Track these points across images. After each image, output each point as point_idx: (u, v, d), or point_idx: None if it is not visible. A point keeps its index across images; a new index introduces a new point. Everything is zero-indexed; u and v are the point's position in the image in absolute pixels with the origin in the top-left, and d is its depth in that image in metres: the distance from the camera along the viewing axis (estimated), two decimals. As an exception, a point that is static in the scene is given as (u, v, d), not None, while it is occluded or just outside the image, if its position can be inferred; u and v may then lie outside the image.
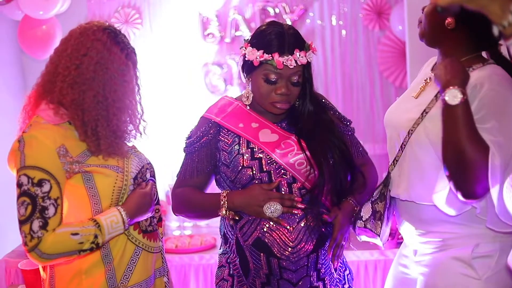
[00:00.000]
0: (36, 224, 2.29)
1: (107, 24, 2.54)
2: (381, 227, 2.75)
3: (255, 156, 2.75)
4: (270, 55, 2.66)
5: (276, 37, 2.69)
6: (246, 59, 2.74)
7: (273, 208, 2.69)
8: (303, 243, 2.72)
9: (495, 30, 1.76)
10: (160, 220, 2.74)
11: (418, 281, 2.71)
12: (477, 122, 2.32)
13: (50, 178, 2.32)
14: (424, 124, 2.55)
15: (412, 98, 2.74)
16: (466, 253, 2.54)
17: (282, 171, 2.74)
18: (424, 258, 2.69)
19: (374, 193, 2.79)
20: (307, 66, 2.75)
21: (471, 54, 2.58)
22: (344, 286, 2.92)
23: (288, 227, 2.71)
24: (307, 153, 2.76)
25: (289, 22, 5.36)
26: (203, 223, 5.08)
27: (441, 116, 2.38)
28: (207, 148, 2.82)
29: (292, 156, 2.75)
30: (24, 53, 5.21)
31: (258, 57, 2.68)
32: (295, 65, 2.66)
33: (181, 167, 2.90)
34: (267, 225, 2.72)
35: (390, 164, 2.76)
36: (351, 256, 4.27)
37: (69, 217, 2.43)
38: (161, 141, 5.25)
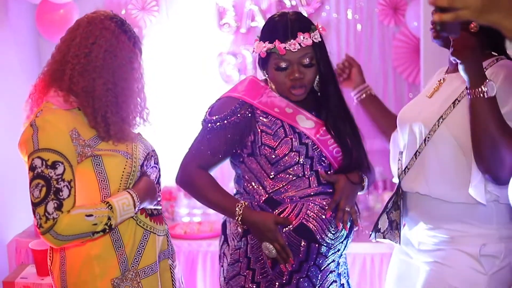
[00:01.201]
0: (51, 206, 2.31)
1: (112, 13, 2.59)
2: (399, 236, 2.81)
3: (303, 141, 2.76)
4: (272, 44, 2.69)
5: (277, 25, 2.73)
6: (256, 53, 2.79)
7: (270, 249, 2.72)
8: (341, 230, 2.78)
9: (508, 46, 1.77)
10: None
11: (422, 269, 2.77)
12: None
13: (64, 161, 2.35)
14: (447, 120, 2.61)
15: (426, 98, 2.79)
16: (474, 251, 2.62)
17: (322, 158, 2.78)
18: (428, 248, 2.75)
19: (388, 204, 2.85)
20: (319, 47, 2.75)
21: (485, 53, 2.63)
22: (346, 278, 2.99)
23: (333, 214, 2.75)
24: (340, 142, 2.80)
25: (305, 14, 5.36)
26: (212, 210, 5.11)
27: (470, 111, 2.45)
28: (235, 128, 2.78)
29: (330, 144, 2.79)
30: (41, 36, 5.24)
31: (263, 49, 2.72)
32: (299, 47, 2.68)
33: (199, 141, 2.86)
34: (311, 210, 2.74)
35: (403, 164, 2.81)
36: (357, 248, 4.31)
37: (77, 201, 2.46)
38: (174, 128, 5.29)
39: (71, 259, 2.53)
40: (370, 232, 2.90)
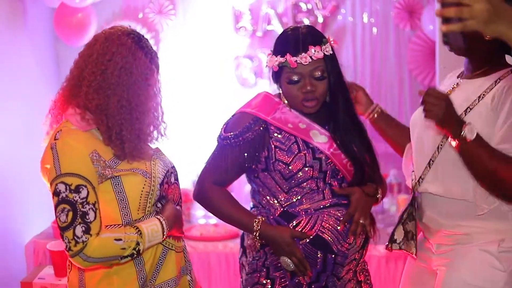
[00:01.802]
0: (79, 230, 2.33)
1: (130, 28, 2.57)
2: (415, 247, 2.84)
3: (316, 156, 2.77)
4: (284, 57, 2.71)
5: (289, 39, 2.75)
6: (268, 67, 2.81)
7: (288, 263, 2.74)
8: (357, 239, 2.79)
9: None
10: None
11: (439, 272, 2.77)
12: None
13: (87, 184, 2.37)
14: None
15: None
16: (493, 247, 2.64)
17: (336, 171, 2.79)
18: (445, 250, 2.77)
19: (404, 215, 2.87)
20: (330, 59, 2.76)
21: (498, 60, 2.69)
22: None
23: (347, 224, 2.77)
24: (351, 157, 2.81)
25: (320, 18, 5.43)
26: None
27: (460, 157, 2.55)
28: (250, 145, 2.80)
29: (344, 157, 2.80)
30: (59, 40, 5.30)
31: (275, 62, 2.74)
32: (310, 61, 2.69)
33: (215, 158, 2.88)
34: (327, 222, 2.76)
35: (417, 175, 2.83)
36: (372, 251, 4.31)
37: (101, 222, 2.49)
38: (192, 131, 5.33)
39: (90, 273, 2.54)
40: (386, 244, 2.91)
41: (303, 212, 2.77)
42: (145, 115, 2.52)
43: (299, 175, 2.76)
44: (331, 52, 2.76)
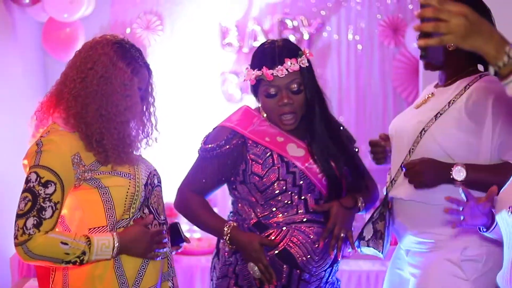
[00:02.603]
0: (30, 221, 2.35)
1: (120, 37, 2.58)
2: (383, 245, 2.89)
3: (290, 170, 2.80)
4: (259, 70, 2.75)
5: (265, 52, 2.79)
6: (246, 81, 2.84)
7: (254, 270, 2.77)
8: (325, 258, 2.82)
9: (491, 70, 1.86)
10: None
11: (410, 281, 2.84)
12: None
13: (57, 182, 2.39)
14: (432, 130, 2.74)
15: (414, 109, 2.94)
16: (456, 255, 2.71)
17: (311, 186, 2.82)
18: (415, 259, 2.84)
19: (374, 214, 2.92)
20: (307, 71, 2.79)
21: (469, 68, 2.80)
22: None
23: (316, 242, 2.79)
24: (328, 172, 2.83)
25: (306, 35, 5.53)
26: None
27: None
28: (228, 157, 2.85)
29: (319, 172, 2.83)
30: (47, 54, 5.34)
31: (253, 77, 2.78)
32: (286, 73, 2.73)
33: (195, 168, 2.93)
34: (296, 237, 2.79)
35: (391, 176, 2.91)
36: (352, 265, 4.39)
37: (84, 224, 2.51)
38: (177, 145, 5.36)
39: (74, 278, 2.56)
40: (354, 240, 2.93)
41: (275, 225, 2.81)
42: (126, 125, 2.53)
43: (272, 188, 2.79)
44: (307, 65, 2.79)
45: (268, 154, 2.82)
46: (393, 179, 2.88)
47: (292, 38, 5.46)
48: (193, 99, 5.58)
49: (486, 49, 1.81)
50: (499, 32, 1.83)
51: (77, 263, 2.42)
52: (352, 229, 2.87)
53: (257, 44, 5.47)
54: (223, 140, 2.85)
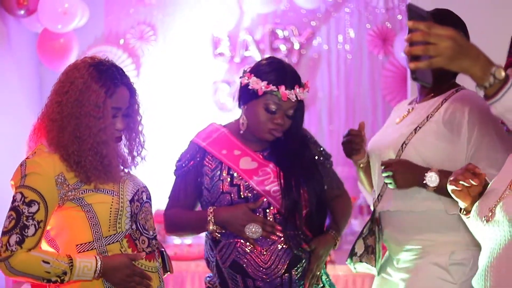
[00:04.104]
0: (13, 238, 2.41)
1: (97, 60, 2.61)
2: (375, 260, 2.95)
3: (234, 182, 2.90)
4: (276, 87, 2.82)
5: (281, 71, 2.88)
6: (250, 87, 2.86)
7: (253, 230, 2.83)
8: (276, 265, 2.87)
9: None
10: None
11: (399, 286, 2.91)
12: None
13: (41, 201, 2.46)
14: (413, 141, 2.82)
15: (395, 124, 2.99)
16: (444, 260, 2.78)
17: (258, 197, 2.89)
18: (404, 265, 2.90)
19: (364, 230, 2.99)
20: (302, 104, 2.92)
21: (448, 82, 2.90)
22: None
23: (262, 250, 2.86)
24: (282, 181, 2.91)
25: (297, 45, 5.63)
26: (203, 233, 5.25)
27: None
28: (194, 172, 2.96)
29: (268, 183, 2.91)
30: (42, 64, 5.41)
31: (263, 87, 2.83)
32: (295, 99, 2.84)
33: (172, 190, 3.04)
34: (242, 248, 2.86)
35: (377, 192, 2.97)
36: (339, 270, 4.46)
37: (71, 241, 2.56)
38: (171, 155, 5.40)
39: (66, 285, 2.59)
40: (347, 257, 3.02)
41: (225, 237, 2.90)
42: (102, 146, 2.55)
43: (219, 201, 2.89)
44: (305, 98, 2.91)
45: (218, 167, 2.93)
46: (379, 194, 2.95)
47: (283, 48, 5.60)
48: (186, 108, 5.66)
49: (472, 71, 1.87)
50: (484, 54, 1.89)
51: (58, 282, 2.47)
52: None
53: (248, 54, 5.60)
54: (190, 156, 2.98)
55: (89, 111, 2.53)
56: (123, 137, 2.70)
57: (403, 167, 2.78)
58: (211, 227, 2.87)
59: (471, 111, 2.74)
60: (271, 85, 2.83)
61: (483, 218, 2.26)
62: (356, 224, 5.04)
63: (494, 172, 2.58)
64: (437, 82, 2.84)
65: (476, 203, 2.34)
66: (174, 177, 3.04)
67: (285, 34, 5.63)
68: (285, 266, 2.88)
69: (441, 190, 2.70)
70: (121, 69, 2.66)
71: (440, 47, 1.82)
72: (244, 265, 2.86)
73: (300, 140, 3.00)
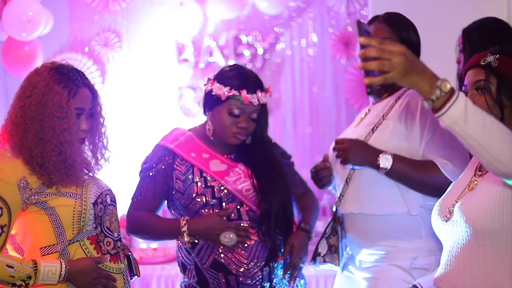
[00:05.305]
0: None
1: (56, 64, 2.65)
2: (338, 259, 3.02)
3: (208, 184, 2.98)
4: (238, 91, 2.91)
5: (243, 76, 2.97)
6: (213, 93, 2.96)
7: (228, 238, 2.90)
8: (256, 259, 2.96)
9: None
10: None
11: (361, 284, 2.99)
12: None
13: (3, 206, 2.49)
14: (371, 141, 2.91)
15: (354, 127, 3.08)
16: (406, 264, 2.87)
17: (232, 197, 2.98)
18: (367, 266, 2.98)
19: (327, 230, 3.07)
20: (265, 107, 3.02)
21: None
22: None
23: (240, 247, 2.94)
24: (254, 180, 3.02)
25: (260, 50, 5.69)
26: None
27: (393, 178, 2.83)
28: (162, 174, 3.01)
29: (240, 183, 3.00)
30: (7, 72, 5.40)
31: (226, 92, 2.92)
32: (257, 103, 2.93)
33: (136, 190, 3.08)
34: (221, 247, 2.94)
35: (338, 192, 3.05)
36: (310, 270, 4.48)
37: (35, 244, 2.60)
38: (135, 160, 5.42)
39: None
40: (311, 258, 3.09)
41: (202, 240, 2.96)
42: (66, 146, 2.59)
43: (194, 203, 2.97)
44: (267, 101, 3.01)
45: (190, 171, 3.00)
46: (340, 194, 3.01)
47: (247, 53, 5.66)
48: (151, 114, 5.69)
49: (420, 85, 1.94)
50: (430, 69, 1.96)
51: (23, 286, 2.50)
52: None
53: (213, 59, 5.65)
54: (158, 159, 3.02)
55: (52, 111, 2.56)
56: (86, 140, 2.73)
57: (357, 145, 2.86)
58: (186, 239, 2.93)
59: (422, 108, 2.83)
60: (233, 90, 2.92)
61: (443, 218, 2.33)
62: (319, 225, 5.08)
63: (445, 161, 2.69)
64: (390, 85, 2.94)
65: (438, 201, 2.43)
66: (140, 179, 3.08)
67: (249, 39, 5.70)
68: (264, 259, 2.97)
69: (393, 173, 2.79)
70: (82, 72, 2.70)
71: (393, 63, 1.89)
72: (225, 263, 2.93)
73: (265, 141, 3.09)
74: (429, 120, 2.81)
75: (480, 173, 2.30)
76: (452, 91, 1.95)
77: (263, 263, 2.98)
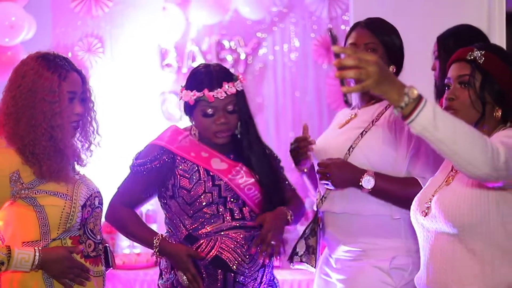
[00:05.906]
0: None
1: (42, 52, 2.69)
2: (315, 260, 3.05)
3: (216, 183, 3.01)
4: (201, 92, 2.94)
5: (204, 75, 3.00)
6: (184, 101, 3.02)
7: (183, 279, 2.93)
8: (255, 259, 2.99)
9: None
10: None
11: (338, 286, 3.01)
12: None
13: None
14: (360, 145, 2.94)
15: (338, 129, 3.11)
16: (385, 264, 2.89)
17: (235, 196, 3.02)
18: (343, 266, 3.00)
19: (306, 230, 3.10)
20: (240, 95, 3.03)
21: None
22: None
23: (244, 244, 2.98)
24: (256, 180, 3.05)
25: (243, 55, 5.72)
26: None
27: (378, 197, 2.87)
28: (157, 172, 3.03)
29: (242, 182, 3.04)
30: (-10, 77, 5.41)
31: (192, 97, 2.96)
32: (225, 95, 2.95)
33: (125, 182, 3.11)
34: (225, 244, 2.97)
35: (321, 194, 3.07)
36: (285, 275, 4.52)
37: (17, 237, 2.64)
38: (118, 164, 5.43)
39: (4, 279, 2.66)
40: (288, 256, 3.12)
41: (205, 235, 2.98)
42: (57, 129, 2.61)
43: (200, 200, 2.99)
44: (241, 88, 3.03)
45: (195, 168, 3.01)
46: (323, 196, 3.04)
47: (229, 58, 5.68)
48: (134, 119, 5.69)
49: (390, 94, 2.00)
50: (398, 78, 2.03)
51: None
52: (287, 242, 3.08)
53: (195, 64, 5.61)
54: (153, 157, 3.03)
55: (43, 97, 2.59)
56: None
57: (340, 168, 2.88)
58: (155, 257, 3.02)
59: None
60: (196, 92, 2.96)
61: (421, 213, 2.38)
62: (301, 229, 5.10)
63: (429, 176, 2.71)
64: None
65: (416, 196, 2.47)
66: (130, 172, 3.10)
67: (231, 44, 5.72)
68: (267, 263, 3.02)
69: (376, 192, 2.82)
70: (68, 58, 2.73)
71: (369, 71, 1.94)
72: (227, 260, 2.96)
73: (256, 133, 3.13)
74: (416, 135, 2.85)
75: None
76: (419, 98, 1.99)
77: (260, 264, 3.02)
